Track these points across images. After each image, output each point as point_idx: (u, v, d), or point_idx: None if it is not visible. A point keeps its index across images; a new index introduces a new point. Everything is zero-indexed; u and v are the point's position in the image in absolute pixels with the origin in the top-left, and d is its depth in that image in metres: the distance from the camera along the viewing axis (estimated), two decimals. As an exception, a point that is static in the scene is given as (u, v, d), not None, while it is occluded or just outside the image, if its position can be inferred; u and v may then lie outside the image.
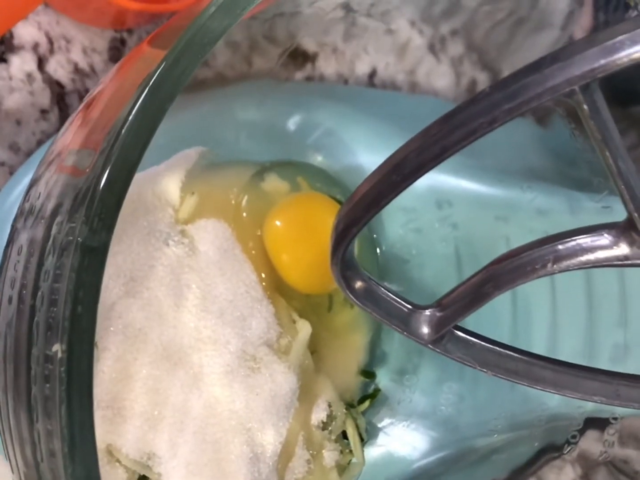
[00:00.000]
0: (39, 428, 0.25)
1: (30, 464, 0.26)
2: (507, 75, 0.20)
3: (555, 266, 0.24)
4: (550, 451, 0.43)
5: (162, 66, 0.25)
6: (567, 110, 0.40)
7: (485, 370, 0.28)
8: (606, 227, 0.23)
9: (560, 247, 0.24)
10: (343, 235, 0.24)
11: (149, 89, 0.25)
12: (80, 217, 0.24)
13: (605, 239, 0.23)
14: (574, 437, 0.42)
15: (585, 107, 0.20)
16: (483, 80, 0.50)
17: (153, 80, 0.25)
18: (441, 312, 0.26)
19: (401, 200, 0.45)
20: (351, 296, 0.26)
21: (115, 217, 0.25)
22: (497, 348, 0.28)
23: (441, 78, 0.50)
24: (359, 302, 0.26)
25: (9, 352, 0.27)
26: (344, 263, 0.25)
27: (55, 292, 0.24)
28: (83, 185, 0.25)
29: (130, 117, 0.25)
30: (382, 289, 0.27)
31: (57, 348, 0.24)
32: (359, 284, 0.26)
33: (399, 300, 0.27)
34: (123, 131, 0.25)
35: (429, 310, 0.27)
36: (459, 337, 0.28)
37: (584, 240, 0.23)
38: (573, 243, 0.23)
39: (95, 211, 0.24)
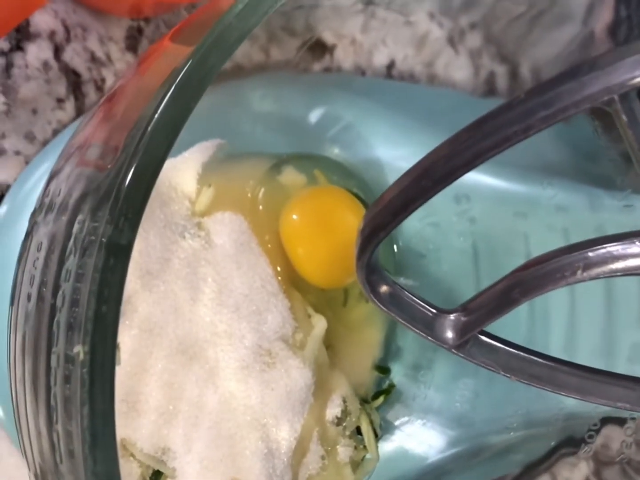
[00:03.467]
0: (58, 429, 0.25)
1: (49, 463, 0.26)
2: (542, 82, 0.20)
3: (585, 274, 0.23)
4: (565, 448, 0.43)
5: (188, 64, 0.25)
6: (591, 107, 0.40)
7: (509, 375, 0.28)
8: (638, 235, 0.23)
9: (590, 254, 0.23)
10: (369, 240, 0.24)
11: (175, 87, 0.25)
12: (104, 216, 0.24)
13: (636, 246, 0.23)
14: (590, 436, 0.41)
15: (623, 116, 0.19)
16: (502, 73, 0.50)
17: (180, 78, 0.25)
18: (466, 316, 0.26)
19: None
20: (376, 300, 0.26)
21: (140, 215, 0.24)
22: (522, 353, 0.28)
23: (460, 70, 0.50)
24: (383, 307, 0.26)
25: (28, 347, 0.27)
26: (369, 267, 0.25)
27: (77, 292, 0.24)
28: (105, 181, 0.25)
29: (157, 115, 0.25)
30: (407, 293, 0.26)
31: (78, 349, 0.23)
32: (384, 289, 0.26)
33: (424, 304, 0.27)
34: (149, 129, 0.24)
35: (454, 314, 0.26)
36: (483, 341, 0.27)
37: (614, 248, 0.23)
38: (603, 250, 0.23)
39: (121, 210, 0.24)
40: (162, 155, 0.24)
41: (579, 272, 0.23)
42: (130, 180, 0.24)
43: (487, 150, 0.20)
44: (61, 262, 0.25)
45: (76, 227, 0.25)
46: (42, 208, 0.29)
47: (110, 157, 0.25)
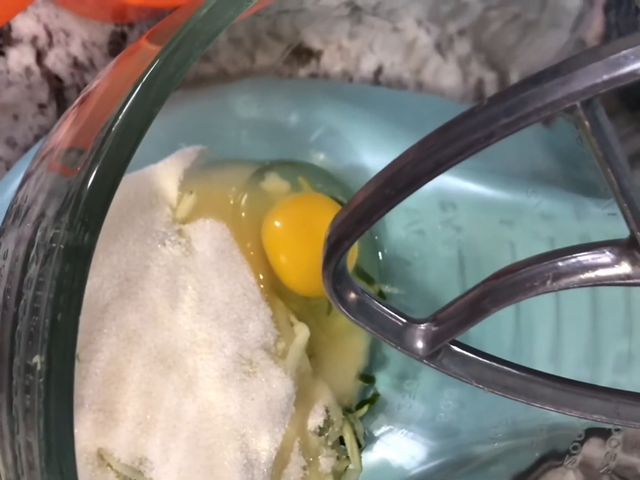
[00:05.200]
0: (19, 440, 0.24)
1: (12, 475, 0.26)
2: (505, 88, 0.19)
3: (554, 283, 0.23)
4: (551, 459, 0.42)
5: (153, 66, 0.24)
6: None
7: (481, 386, 0.27)
8: (608, 245, 0.22)
9: (560, 263, 0.23)
10: (335, 248, 0.23)
11: (139, 89, 0.24)
12: (64, 222, 0.24)
13: (606, 256, 0.22)
14: (575, 447, 0.41)
15: (586, 123, 0.19)
16: (491, 80, 0.50)
17: (144, 80, 0.24)
18: (437, 326, 0.26)
19: (404, 201, 0.45)
20: (343, 309, 0.25)
21: (100, 221, 0.24)
22: (495, 364, 0.27)
23: (448, 77, 0.50)
24: (351, 316, 0.26)
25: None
26: (335, 275, 0.24)
27: (38, 300, 0.24)
28: (71, 185, 0.24)
29: (120, 118, 0.24)
30: (376, 302, 0.26)
31: (37, 359, 0.23)
32: (351, 297, 0.25)
33: (393, 313, 0.26)
34: (112, 131, 0.24)
35: (424, 324, 0.26)
36: (455, 352, 0.27)
37: (584, 258, 0.23)
38: (573, 260, 0.23)
39: (80, 215, 0.23)
40: (124, 159, 0.24)
41: (549, 282, 0.23)
42: (91, 184, 0.23)
43: (449, 158, 0.20)
44: (24, 270, 0.25)
45: (39, 234, 0.25)
46: (11, 213, 0.29)
47: (79, 160, 0.25)
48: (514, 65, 0.47)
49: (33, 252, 0.25)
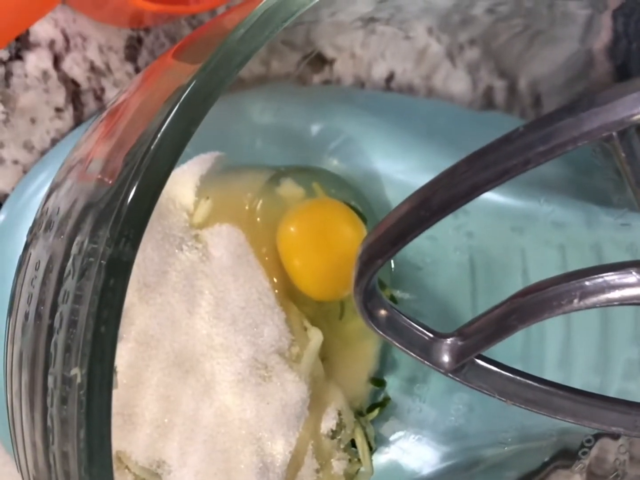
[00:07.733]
0: (54, 450, 0.25)
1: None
2: (541, 116, 0.20)
3: (581, 302, 0.23)
4: (559, 460, 0.43)
5: (191, 86, 0.25)
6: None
7: (504, 399, 0.28)
8: (634, 265, 0.23)
9: (587, 283, 0.23)
10: (367, 267, 0.24)
11: (178, 107, 0.25)
12: (104, 236, 0.24)
13: (633, 277, 0.23)
14: (584, 453, 0.41)
15: (622, 153, 0.19)
16: (500, 87, 0.50)
17: (182, 99, 0.25)
18: (463, 341, 0.26)
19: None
20: (373, 325, 0.26)
21: (141, 235, 0.24)
22: (518, 377, 0.28)
23: (458, 83, 0.50)
24: (380, 332, 0.26)
25: (25, 363, 0.27)
26: (366, 293, 0.25)
27: (75, 313, 0.24)
28: (105, 200, 0.25)
29: (159, 135, 0.24)
30: (404, 317, 0.26)
31: (76, 371, 0.23)
32: (381, 313, 0.26)
33: (421, 328, 0.27)
34: (152, 148, 0.24)
35: (450, 339, 0.26)
36: (479, 365, 0.27)
37: (611, 277, 0.23)
38: (600, 280, 0.23)
39: (122, 231, 0.24)
40: (164, 175, 0.24)
41: (576, 300, 0.23)
42: (131, 199, 0.24)
43: (485, 183, 0.20)
44: (59, 282, 0.25)
45: (74, 248, 0.25)
46: (42, 222, 0.29)
47: (112, 174, 0.25)
48: (522, 73, 0.47)
49: (69, 265, 0.25)
